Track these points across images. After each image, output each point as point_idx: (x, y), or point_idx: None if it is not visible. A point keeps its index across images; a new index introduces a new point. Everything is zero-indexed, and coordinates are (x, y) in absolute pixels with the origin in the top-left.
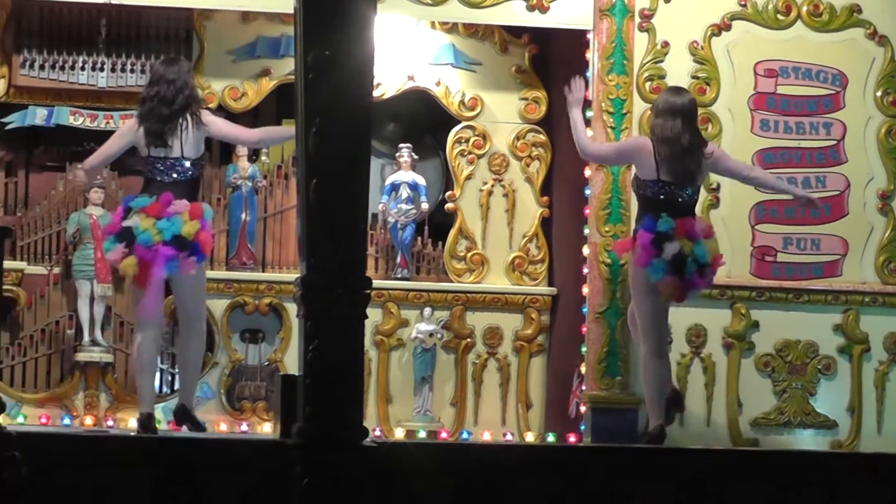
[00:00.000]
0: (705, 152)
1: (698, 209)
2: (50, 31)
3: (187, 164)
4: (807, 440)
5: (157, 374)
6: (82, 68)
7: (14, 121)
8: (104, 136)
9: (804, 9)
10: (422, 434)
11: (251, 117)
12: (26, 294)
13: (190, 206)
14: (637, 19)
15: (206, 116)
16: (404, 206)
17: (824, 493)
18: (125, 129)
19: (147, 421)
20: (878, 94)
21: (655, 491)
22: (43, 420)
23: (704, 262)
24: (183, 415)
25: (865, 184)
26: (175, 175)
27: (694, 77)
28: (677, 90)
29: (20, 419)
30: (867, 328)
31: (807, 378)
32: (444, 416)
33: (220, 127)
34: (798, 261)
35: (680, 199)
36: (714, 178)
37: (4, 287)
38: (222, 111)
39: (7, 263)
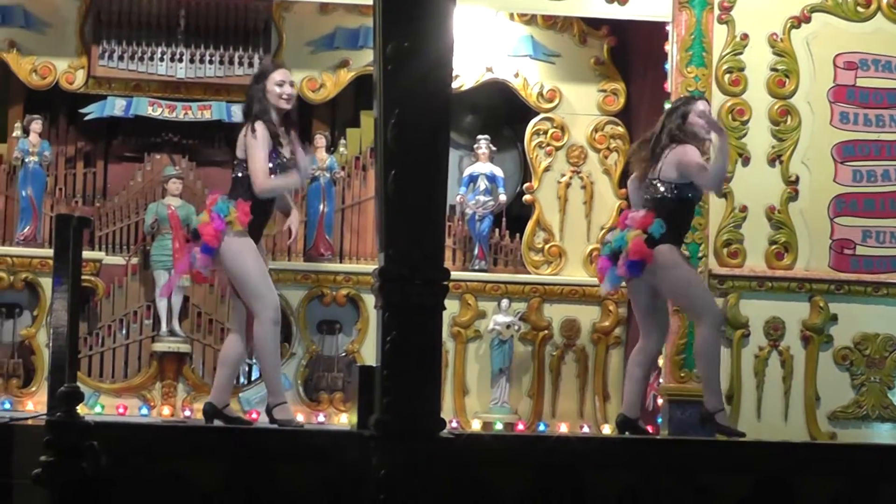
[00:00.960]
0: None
1: (776, 199)
2: (129, 21)
3: (235, 163)
4: (885, 434)
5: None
6: (161, 59)
7: (93, 111)
8: (182, 126)
9: (884, 1)
10: (498, 426)
11: (329, 108)
12: (104, 284)
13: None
14: (716, 11)
15: (250, 136)
16: (482, 198)
17: None
18: None
19: (209, 409)
20: None
21: (732, 484)
22: (121, 410)
23: (618, 249)
24: (210, 413)
25: None
26: (231, 173)
27: (773, 69)
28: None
29: (98, 409)
30: None
31: (885, 371)
32: (521, 408)
33: (250, 152)
34: (877, 254)
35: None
36: (793, 169)
37: (83, 277)
38: (301, 102)
39: (85, 254)
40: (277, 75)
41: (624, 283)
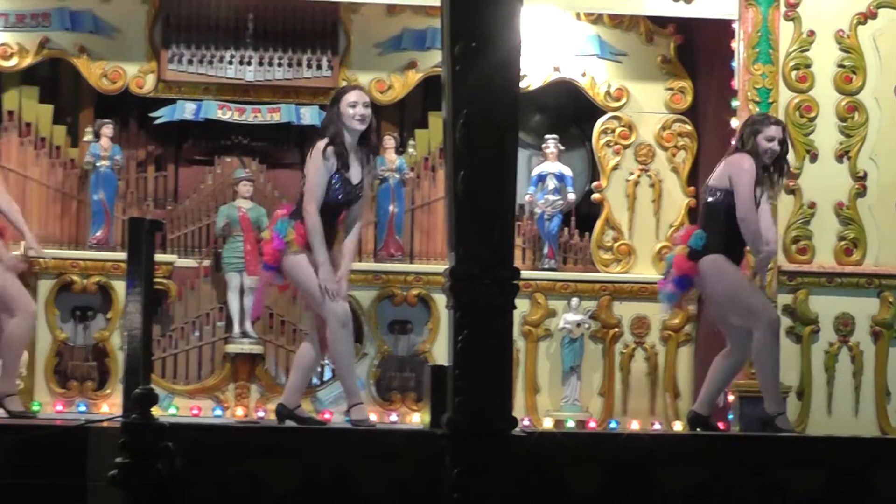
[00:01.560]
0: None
1: (845, 195)
2: (197, 25)
3: (302, 176)
4: None
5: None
6: (230, 62)
7: (163, 115)
8: (252, 129)
9: None
10: (570, 424)
11: (397, 110)
12: (177, 286)
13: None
14: (783, 8)
15: (312, 156)
16: (551, 197)
17: None
18: None
19: (281, 410)
20: None
21: (805, 480)
22: (194, 411)
23: (669, 267)
24: (282, 414)
25: None
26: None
27: (840, 66)
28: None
29: (172, 410)
30: None
31: None
32: (592, 406)
33: (307, 172)
34: None
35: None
36: (860, 165)
37: (155, 280)
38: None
39: (158, 256)
40: (351, 96)
41: (682, 300)
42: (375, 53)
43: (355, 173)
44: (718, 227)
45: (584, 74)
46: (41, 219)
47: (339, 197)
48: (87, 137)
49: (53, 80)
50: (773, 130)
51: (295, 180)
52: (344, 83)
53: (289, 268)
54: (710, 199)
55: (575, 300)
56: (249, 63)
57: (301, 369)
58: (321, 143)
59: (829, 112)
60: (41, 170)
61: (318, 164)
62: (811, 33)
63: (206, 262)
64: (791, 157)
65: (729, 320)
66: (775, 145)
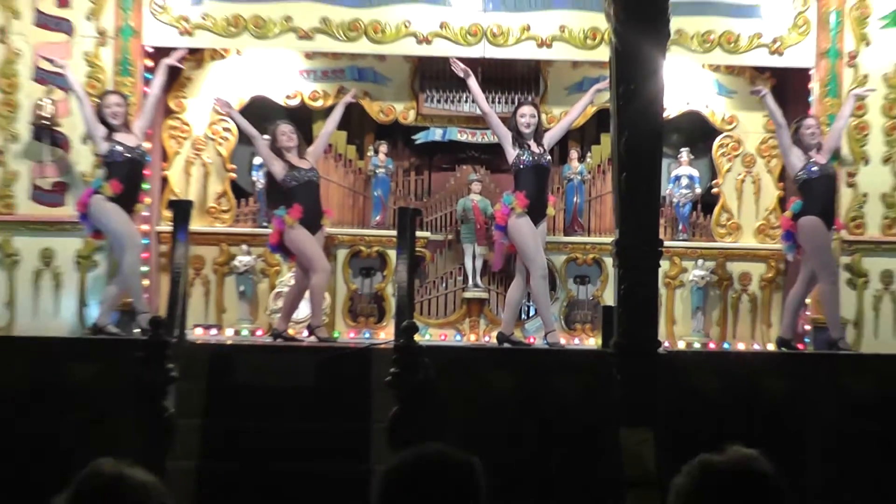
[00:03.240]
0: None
1: (888, 188)
2: (443, 76)
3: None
4: None
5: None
6: (466, 100)
7: (420, 137)
8: (481, 146)
9: None
10: (696, 345)
11: (580, 132)
12: (430, 253)
13: None
14: (845, 59)
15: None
16: (684, 191)
17: None
18: None
19: (500, 336)
20: None
21: (862, 385)
22: (442, 337)
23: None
24: (501, 339)
25: None
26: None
27: (885, 98)
28: None
29: (427, 337)
30: None
31: None
32: (712, 333)
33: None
34: None
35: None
36: None
37: (416, 249)
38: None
39: (418, 233)
40: (523, 109)
41: (795, 249)
42: (564, 94)
43: (537, 150)
44: (804, 197)
45: (706, 106)
46: (340, 208)
47: (531, 161)
48: (369, 153)
49: (346, 114)
50: (809, 121)
51: (509, 181)
52: (544, 116)
53: (512, 227)
54: (794, 179)
55: (700, 261)
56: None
57: (511, 306)
58: (508, 135)
59: (878, 130)
60: (339, 175)
61: (508, 150)
62: (865, 76)
63: (450, 237)
64: (848, 156)
65: (809, 264)
66: (811, 131)
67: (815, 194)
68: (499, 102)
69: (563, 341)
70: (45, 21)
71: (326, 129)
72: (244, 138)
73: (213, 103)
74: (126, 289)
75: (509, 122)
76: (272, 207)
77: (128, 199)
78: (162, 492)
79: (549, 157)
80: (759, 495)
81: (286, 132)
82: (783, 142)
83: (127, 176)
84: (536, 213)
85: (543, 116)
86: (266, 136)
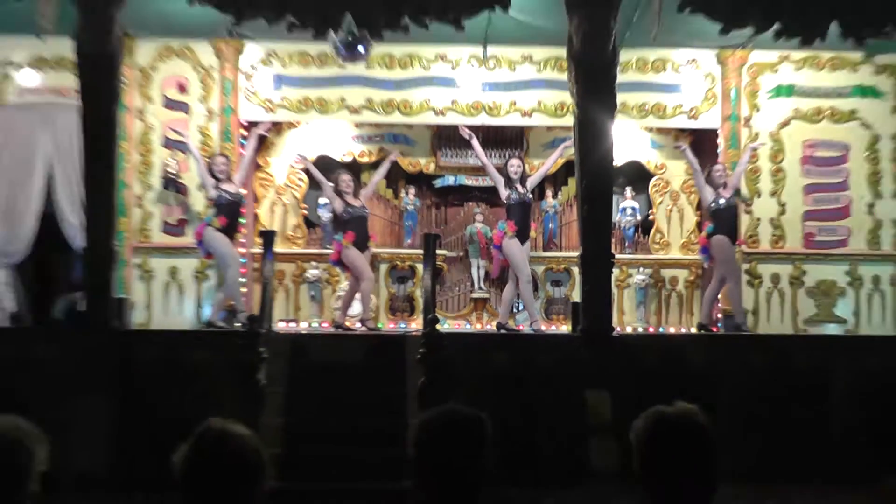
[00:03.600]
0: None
1: (775, 213)
2: (455, 137)
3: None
4: None
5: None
6: (470, 156)
7: (439, 182)
8: (483, 189)
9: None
10: (639, 329)
11: (553, 176)
12: (447, 265)
13: None
14: (742, 121)
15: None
16: (629, 218)
17: None
18: None
19: (498, 325)
20: None
21: (759, 357)
22: (456, 326)
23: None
24: (499, 326)
25: None
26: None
27: (771, 149)
28: None
29: (446, 326)
30: None
31: None
32: (651, 320)
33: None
34: None
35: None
36: (783, 199)
37: (437, 263)
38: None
39: (438, 251)
40: (512, 161)
41: (709, 259)
42: (542, 150)
43: (522, 190)
44: (718, 222)
45: (644, 157)
46: (382, 234)
47: (518, 198)
48: (402, 194)
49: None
50: (717, 167)
51: (501, 213)
52: (527, 165)
53: (505, 246)
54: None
55: (641, 268)
56: (475, 156)
57: (506, 304)
58: (501, 180)
59: (767, 172)
60: (381, 210)
61: (501, 190)
62: (757, 134)
63: (461, 254)
64: (745, 192)
65: (720, 269)
66: (719, 173)
67: (722, 220)
68: (494, 156)
69: (543, 328)
70: (170, 104)
71: (375, 178)
72: (313, 185)
73: (294, 159)
74: (229, 294)
75: (502, 170)
76: (335, 233)
77: (230, 230)
78: (256, 442)
79: (531, 196)
80: (697, 438)
81: (346, 179)
82: (699, 182)
83: (230, 213)
84: (523, 235)
85: (526, 166)
86: (330, 183)
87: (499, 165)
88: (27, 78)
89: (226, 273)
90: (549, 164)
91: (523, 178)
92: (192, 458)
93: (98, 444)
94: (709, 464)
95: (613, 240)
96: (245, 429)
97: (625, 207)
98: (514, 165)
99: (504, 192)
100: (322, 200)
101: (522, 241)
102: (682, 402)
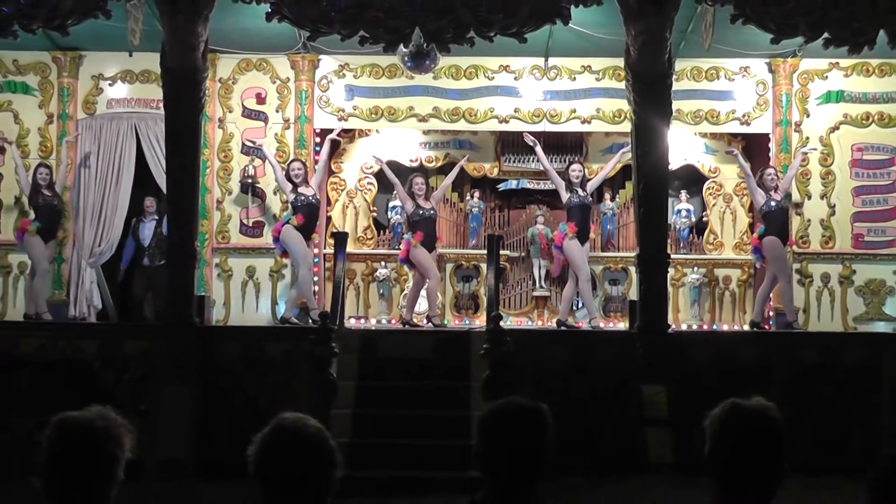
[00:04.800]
0: None
1: (825, 215)
2: (517, 143)
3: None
4: None
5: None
6: (532, 161)
7: (502, 186)
8: (545, 192)
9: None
10: (693, 326)
11: (611, 180)
12: (510, 265)
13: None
14: (793, 126)
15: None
16: (683, 220)
17: None
18: None
19: (558, 322)
20: None
21: (809, 353)
22: (518, 323)
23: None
24: (559, 323)
25: None
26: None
27: (821, 153)
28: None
29: (508, 323)
30: None
31: None
32: (705, 318)
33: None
34: None
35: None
36: (832, 201)
37: (500, 262)
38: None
39: (501, 252)
40: (573, 166)
41: (761, 259)
42: (600, 155)
43: (582, 194)
44: (770, 223)
45: (698, 161)
46: (448, 235)
47: (578, 201)
48: (468, 198)
49: (450, 170)
50: (769, 170)
51: (562, 215)
52: (586, 170)
53: (565, 247)
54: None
55: (695, 268)
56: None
57: (566, 301)
58: (563, 184)
59: (816, 175)
60: (447, 213)
61: (562, 193)
62: (807, 138)
63: (523, 255)
64: (796, 195)
65: (771, 269)
66: (771, 177)
67: (773, 221)
68: (555, 161)
69: (602, 325)
70: (249, 113)
71: (445, 183)
72: (382, 188)
73: (371, 162)
74: (301, 293)
75: (563, 174)
76: (405, 232)
77: (307, 230)
78: (325, 433)
79: (590, 199)
80: (770, 431)
81: (419, 182)
82: (751, 185)
83: (307, 214)
84: (582, 236)
85: (585, 170)
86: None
87: (560, 170)
88: (117, 90)
89: (298, 272)
90: (608, 168)
91: (583, 182)
92: (266, 449)
93: (180, 434)
94: (778, 457)
95: (669, 240)
96: (316, 421)
97: (680, 209)
98: (576, 170)
99: (565, 196)
100: (392, 203)
101: (582, 242)
102: (759, 398)
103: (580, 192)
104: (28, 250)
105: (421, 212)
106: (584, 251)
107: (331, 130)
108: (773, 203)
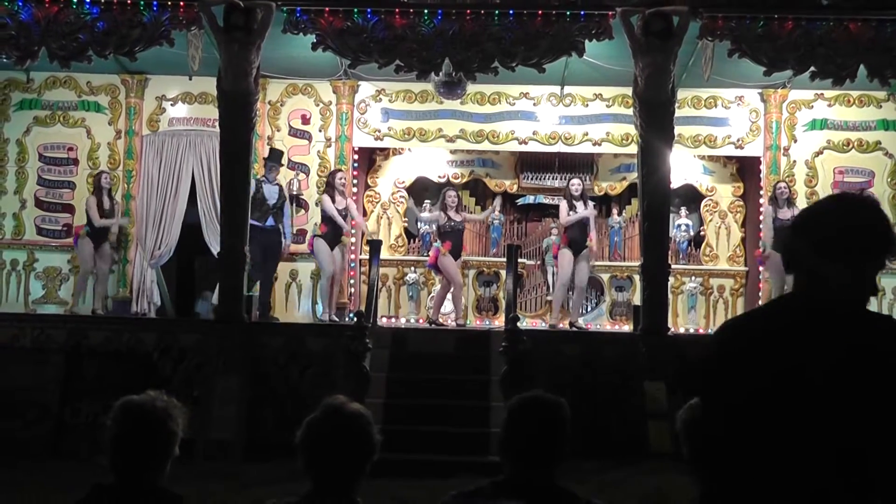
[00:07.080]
0: None
1: None
2: (535, 163)
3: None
4: None
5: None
6: (548, 178)
7: (521, 201)
8: (558, 207)
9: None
10: (691, 330)
11: (619, 196)
12: (526, 272)
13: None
14: (781, 151)
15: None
16: (683, 234)
17: None
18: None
19: (570, 323)
20: None
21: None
22: (533, 324)
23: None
24: (571, 325)
25: None
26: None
27: (806, 175)
28: None
29: (524, 324)
30: None
31: None
32: (701, 323)
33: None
34: None
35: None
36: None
37: (519, 270)
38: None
39: (520, 260)
40: (573, 181)
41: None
42: (609, 174)
43: (585, 207)
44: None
45: (696, 181)
46: (472, 244)
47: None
48: (490, 208)
49: (475, 186)
50: (780, 186)
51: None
52: (595, 188)
53: (559, 255)
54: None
55: (693, 277)
56: (555, 179)
57: (556, 303)
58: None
59: (802, 195)
60: (471, 224)
61: (563, 206)
62: (794, 162)
63: (538, 262)
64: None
65: (773, 283)
66: (780, 190)
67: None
68: (565, 181)
69: (609, 327)
70: (294, 132)
71: (477, 217)
72: (412, 201)
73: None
74: (323, 297)
75: (565, 190)
76: (436, 240)
77: (333, 239)
78: (369, 416)
79: (587, 213)
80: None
81: (451, 195)
82: (766, 223)
83: (331, 225)
84: (577, 247)
85: (595, 187)
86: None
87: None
88: (177, 110)
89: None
90: (586, 215)
91: (583, 195)
92: (318, 427)
93: (229, 417)
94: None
95: (669, 252)
96: (359, 405)
97: (680, 224)
98: (575, 184)
99: (565, 217)
100: (423, 215)
101: (577, 252)
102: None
103: (579, 207)
104: (79, 252)
105: (452, 224)
106: (584, 258)
107: (368, 148)
108: (781, 219)
